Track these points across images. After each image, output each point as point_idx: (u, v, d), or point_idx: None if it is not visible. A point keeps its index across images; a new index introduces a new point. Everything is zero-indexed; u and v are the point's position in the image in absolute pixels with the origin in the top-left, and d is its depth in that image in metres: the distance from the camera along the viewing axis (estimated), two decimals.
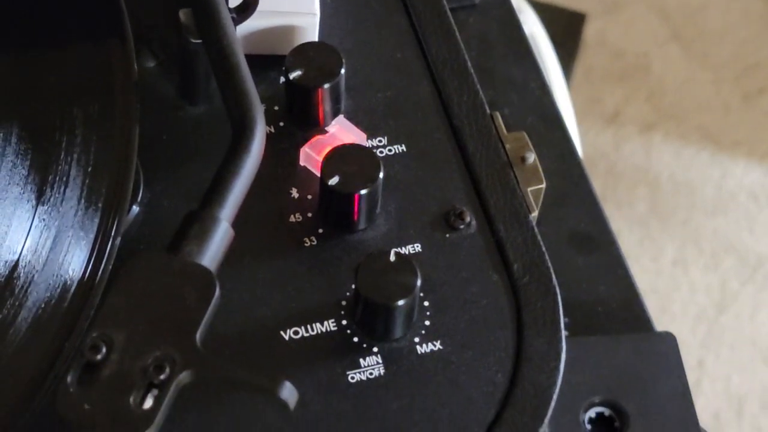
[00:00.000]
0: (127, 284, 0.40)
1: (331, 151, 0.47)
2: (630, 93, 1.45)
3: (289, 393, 0.39)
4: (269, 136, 0.50)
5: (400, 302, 0.45)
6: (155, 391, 0.38)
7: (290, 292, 0.47)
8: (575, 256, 0.65)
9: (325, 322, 0.47)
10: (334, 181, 0.46)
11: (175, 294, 0.40)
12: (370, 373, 0.46)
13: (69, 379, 0.38)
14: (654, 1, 1.51)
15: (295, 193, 0.49)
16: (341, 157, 0.47)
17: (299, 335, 0.46)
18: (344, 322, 0.47)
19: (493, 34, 0.70)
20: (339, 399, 0.45)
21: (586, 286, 0.64)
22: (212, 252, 0.41)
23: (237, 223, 0.44)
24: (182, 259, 0.41)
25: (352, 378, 0.46)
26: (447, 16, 0.53)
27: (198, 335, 0.39)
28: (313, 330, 0.46)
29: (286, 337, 0.46)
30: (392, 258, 0.45)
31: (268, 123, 0.50)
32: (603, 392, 0.58)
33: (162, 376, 0.38)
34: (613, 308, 0.63)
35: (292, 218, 0.49)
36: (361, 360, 0.46)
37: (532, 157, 0.50)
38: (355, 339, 0.46)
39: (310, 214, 0.49)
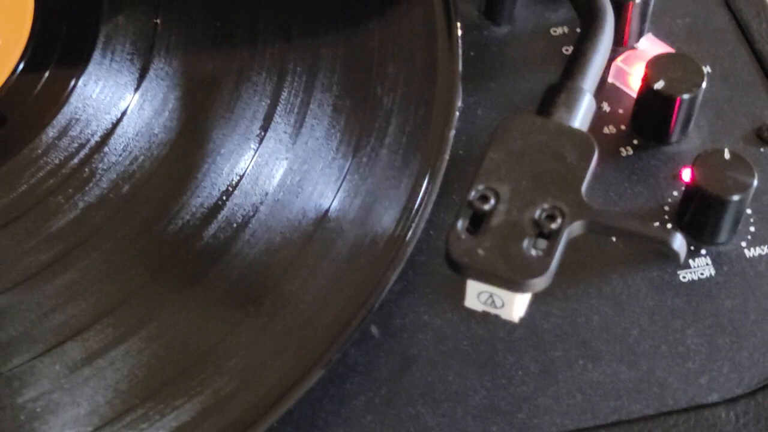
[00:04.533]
0: (505, 141, 0.40)
1: (655, 57, 0.47)
2: None
3: (680, 244, 0.38)
4: None
5: (735, 197, 0.44)
6: (543, 242, 0.38)
7: (612, 197, 0.47)
8: None
9: None
10: (659, 85, 0.47)
11: (554, 152, 0.39)
12: (701, 273, 0.45)
13: (459, 226, 0.38)
14: None
15: (606, 107, 0.49)
16: (664, 63, 0.47)
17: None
18: (669, 225, 0.46)
19: None
20: (672, 295, 0.45)
21: None
22: (581, 119, 0.41)
23: None
24: (556, 122, 0.40)
25: (684, 277, 0.45)
26: None
27: (583, 190, 0.39)
28: None
29: (613, 238, 0.46)
30: (727, 156, 0.45)
31: None
32: None
33: (553, 225, 0.38)
34: None
35: (606, 130, 0.49)
36: (691, 261, 0.46)
37: None
38: None
39: (623, 127, 0.49)
